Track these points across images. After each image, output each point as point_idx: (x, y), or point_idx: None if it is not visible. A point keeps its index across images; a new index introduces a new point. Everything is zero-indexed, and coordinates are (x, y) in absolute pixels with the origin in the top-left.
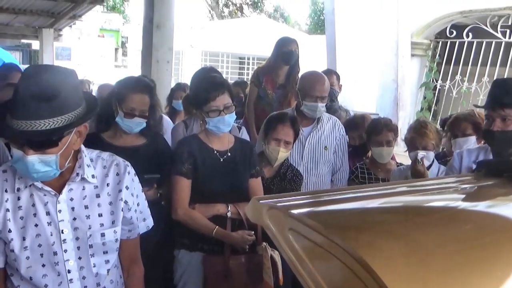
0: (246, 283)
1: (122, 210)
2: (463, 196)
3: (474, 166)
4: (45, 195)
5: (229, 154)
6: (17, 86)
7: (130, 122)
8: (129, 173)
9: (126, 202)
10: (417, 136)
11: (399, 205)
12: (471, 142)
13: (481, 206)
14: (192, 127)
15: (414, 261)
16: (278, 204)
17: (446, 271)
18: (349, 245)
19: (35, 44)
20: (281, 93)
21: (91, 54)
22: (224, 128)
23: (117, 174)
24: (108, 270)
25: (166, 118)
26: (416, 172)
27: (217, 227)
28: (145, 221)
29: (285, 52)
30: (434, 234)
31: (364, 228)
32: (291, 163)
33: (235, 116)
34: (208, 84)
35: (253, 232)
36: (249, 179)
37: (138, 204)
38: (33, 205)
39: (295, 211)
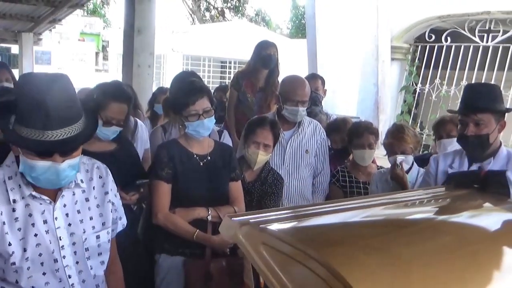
0: (227, 286)
1: (111, 212)
2: (437, 208)
3: (450, 170)
4: (41, 204)
5: (209, 158)
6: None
7: (107, 130)
8: (109, 175)
9: (113, 203)
10: (395, 141)
11: (372, 219)
12: (455, 143)
13: (455, 217)
14: (170, 131)
15: (389, 273)
16: (250, 221)
17: (424, 282)
18: (324, 258)
19: (15, 48)
20: (260, 96)
21: (72, 58)
22: (204, 132)
23: (100, 177)
24: (104, 271)
25: (141, 124)
26: (395, 176)
27: (197, 230)
28: (121, 220)
29: (264, 55)
30: (410, 247)
31: (339, 241)
32: (272, 167)
33: (214, 120)
34: (187, 88)
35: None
36: (229, 182)
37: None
38: (30, 215)
39: (267, 226)
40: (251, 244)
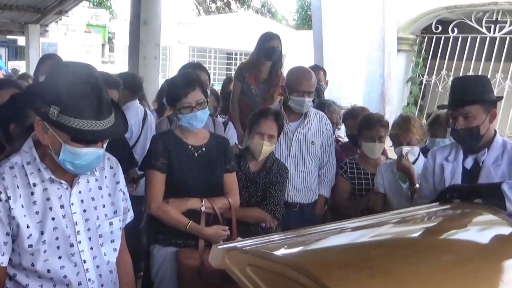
0: (220, 277)
1: (122, 201)
2: (438, 226)
3: (445, 163)
4: (58, 188)
5: (204, 149)
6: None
7: None
8: (119, 166)
9: (124, 193)
10: (401, 132)
11: (368, 239)
12: None
13: (457, 235)
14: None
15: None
16: (237, 246)
17: None
18: (315, 277)
19: (21, 40)
20: (264, 88)
21: (78, 49)
22: (197, 124)
23: (111, 168)
24: (117, 258)
25: (149, 113)
26: (401, 167)
27: (191, 221)
28: (129, 212)
29: (268, 48)
30: (410, 266)
31: (335, 261)
32: (276, 157)
33: (208, 112)
34: (180, 81)
35: (227, 227)
36: (224, 174)
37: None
38: (48, 199)
39: (252, 248)
40: (238, 268)
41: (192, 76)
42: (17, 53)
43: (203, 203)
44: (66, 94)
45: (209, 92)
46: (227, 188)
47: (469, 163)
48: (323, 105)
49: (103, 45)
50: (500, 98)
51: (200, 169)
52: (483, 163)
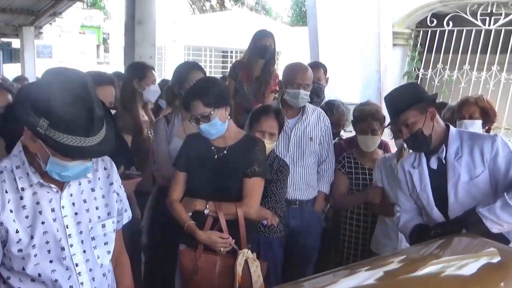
0: (213, 284)
1: (116, 202)
2: (436, 263)
3: (411, 169)
4: (48, 192)
5: (226, 152)
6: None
7: None
8: (114, 167)
9: (118, 194)
10: None
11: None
12: (478, 126)
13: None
14: (173, 122)
15: None
16: None
17: None
18: None
19: (16, 43)
20: (255, 86)
21: (73, 51)
22: (208, 135)
23: (105, 169)
24: (110, 261)
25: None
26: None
27: (189, 221)
28: (126, 212)
29: (260, 46)
30: None
31: None
32: (277, 154)
33: (218, 124)
34: (187, 90)
35: (228, 236)
36: (244, 178)
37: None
38: (38, 203)
39: None
40: None
41: (194, 88)
42: (11, 55)
43: (207, 206)
44: (57, 108)
45: None
46: (243, 193)
47: (434, 163)
48: (331, 106)
49: (98, 46)
50: (435, 96)
51: (214, 172)
52: (446, 159)
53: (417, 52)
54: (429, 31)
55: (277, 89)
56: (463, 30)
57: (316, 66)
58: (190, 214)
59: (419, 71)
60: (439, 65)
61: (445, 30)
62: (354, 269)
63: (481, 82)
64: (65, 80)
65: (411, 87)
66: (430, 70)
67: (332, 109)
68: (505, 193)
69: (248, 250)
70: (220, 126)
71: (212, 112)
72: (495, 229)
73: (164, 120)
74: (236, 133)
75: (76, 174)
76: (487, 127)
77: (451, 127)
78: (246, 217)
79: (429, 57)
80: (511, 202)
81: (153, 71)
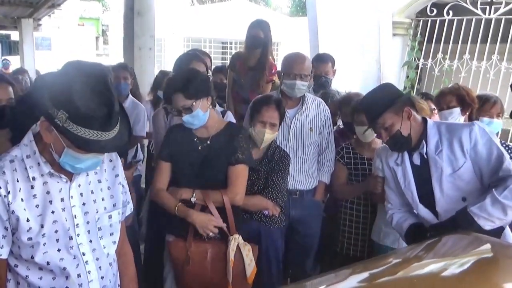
0: (207, 273)
1: (121, 193)
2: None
3: (395, 166)
4: (58, 182)
5: (209, 142)
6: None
7: None
8: (119, 159)
9: (123, 186)
10: None
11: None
12: (456, 113)
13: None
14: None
15: None
16: None
17: None
18: None
19: (14, 35)
20: (251, 76)
21: (72, 43)
22: (190, 125)
23: (110, 160)
24: (116, 251)
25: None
26: None
27: (179, 203)
28: (129, 204)
29: (252, 36)
30: None
31: None
32: (278, 145)
33: (200, 115)
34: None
35: (220, 219)
36: (228, 166)
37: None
38: (48, 192)
39: None
40: None
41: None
42: (10, 48)
43: (193, 194)
44: (77, 102)
45: None
46: (229, 181)
47: (417, 159)
48: (327, 95)
49: (97, 38)
50: (408, 94)
51: (199, 162)
52: (427, 155)
53: (417, 42)
54: (429, 21)
55: (274, 79)
56: (463, 19)
57: (324, 60)
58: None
59: (419, 61)
60: (439, 55)
61: (445, 20)
62: (353, 270)
63: (481, 72)
64: (86, 74)
65: (385, 89)
66: (430, 60)
67: (327, 99)
68: (493, 189)
69: (239, 236)
70: (202, 117)
71: (193, 104)
72: (487, 226)
73: (164, 111)
74: (218, 122)
75: (88, 167)
76: (467, 113)
77: (429, 121)
78: (233, 204)
79: (429, 46)
80: (500, 198)
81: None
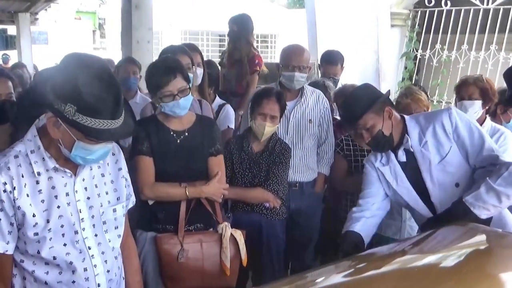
0: (201, 263)
1: (125, 187)
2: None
3: (381, 166)
4: (62, 177)
5: (187, 134)
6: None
7: None
8: (121, 153)
9: (126, 179)
10: (412, 102)
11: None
12: (477, 106)
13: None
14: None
15: None
16: None
17: None
18: None
19: (11, 29)
20: (236, 69)
21: (69, 37)
22: (180, 112)
23: (113, 154)
24: (121, 244)
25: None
26: None
27: (186, 186)
28: (132, 197)
29: (229, 31)
30: None
31: None
32: (279, 137)
33: (192, 98)
34: (159, 68)
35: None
36: (209, 157)
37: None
38: (53, 187)
39: None
40: None
41: (172, 63)
42: (7, 42)
43: (186, 189)
44: (84, 93)
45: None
46: (210, 171)
47: (402, 156)
48: (316, 84)
49: (93, 31)
50: (388, 93)
51: (181, 155)
52: (413, 149)
53: (415, 33)
54: (427, 11)
55: (258, 69)
56: (461, 9)
57: (333, 62)
58: None
59: (417, 51)
60: (438, 46)
61: (443, 10)
62: (353, 262)
63: (480, 62)
64: (88, 65)
65: (364, 90)
66: (428, 50)
67: (318, 86)
68: (487, 178)
69: (228, 223)
70: (190, 101)
71: (188, 86)
72: (483, 215)
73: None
74: (190, 115)
75: (99, 157)
76: (487, 107)
77: (406, 117)
78: (222, 193)
79: (427, 37)
80: (495, 185)
81: None
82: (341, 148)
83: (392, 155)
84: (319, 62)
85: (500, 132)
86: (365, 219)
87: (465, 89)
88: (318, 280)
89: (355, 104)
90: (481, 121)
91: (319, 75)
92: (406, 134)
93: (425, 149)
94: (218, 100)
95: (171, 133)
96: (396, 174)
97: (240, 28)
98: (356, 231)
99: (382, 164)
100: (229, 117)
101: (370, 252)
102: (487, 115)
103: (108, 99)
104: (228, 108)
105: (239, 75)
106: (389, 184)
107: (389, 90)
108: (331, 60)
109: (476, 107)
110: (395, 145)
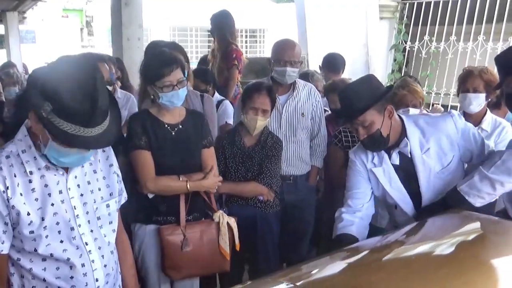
0: (204, 251)
1: (117, 182)
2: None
3: (373, 166)
4: (55, 174)
5: (181, 126)
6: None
7: None
8: (111, 149)
9: (118, 175)
10: (408, 94)
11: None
12: (482, 99)
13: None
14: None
15: None
16: None
17: None
18: None
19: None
20: (218, 64)
21: (56, 35)
22: (178, 102)
23: (104, 151)
24: (115, 239)
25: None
26: None
27: (187, 181)
28: (123, 193)
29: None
30: None
31: None
32: (270, 131)
33: (187, 90)
34: (160, 59)
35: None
36: (202, 149)
37: None
38: (46, 185)
39: None
40: None
41: (171, 55)
42: None
43: (180, 179)
44: (61, 95)
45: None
46: (205, 163)
47: (395, 158)
48: (306, 75)
49: (81, 29)
50: (390, 88)
51: (177, 147)
52: (412, 154)
53: (403, 25)
54: (415, 3)
55: (235, 63)
56: (448, 1)
57: (336, 69)
58: None
59: (406, 43)
60: (426, 37)
61: (431, 2)
62: (347, 252)
63: (468, 53)
64: (75, 68)
65: (368, 83)
66: (417, 42)
67: (308, 78)
68: (480, 167)
69: (222, 211)
70: (186, 92)
71: (185, 78)
72: (478, 203)
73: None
74: (181, 109)
75: (72, 162)
76: (489, 99)
77: (404, 119)
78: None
79: (415, 29)
80: (489, 173)
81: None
82: (339, 140)
83: (386, 156)
84: (320, 64)
85: (502, 125)
86: (359, 221)
87: (471, 81)
88: (314, 272)
89: (357, 98)
90: (483, 113)
91: (308, 66)
92: (405, 138)
93: (427, 156)
94: (217, 96)
95: (166, 126)
96: (390, 176)
97: (217, 24)
98: (354, 235)
99: (374, 165)
100: (228, 112)
101: (365, 242)
102: (487, 108)
103: (84, 106)
104: (227, 104)
105: (218, 70)
106: (380, 185)
107: (391, 86)
108: (333, 67)
109: (480, 100)
110: (390, 146)
